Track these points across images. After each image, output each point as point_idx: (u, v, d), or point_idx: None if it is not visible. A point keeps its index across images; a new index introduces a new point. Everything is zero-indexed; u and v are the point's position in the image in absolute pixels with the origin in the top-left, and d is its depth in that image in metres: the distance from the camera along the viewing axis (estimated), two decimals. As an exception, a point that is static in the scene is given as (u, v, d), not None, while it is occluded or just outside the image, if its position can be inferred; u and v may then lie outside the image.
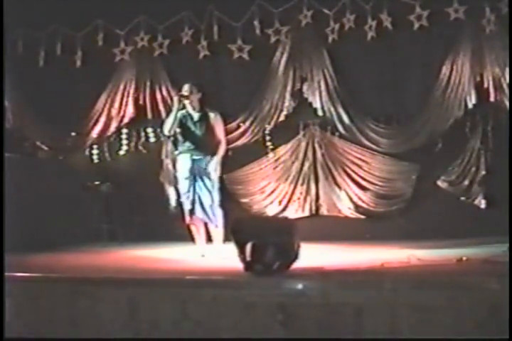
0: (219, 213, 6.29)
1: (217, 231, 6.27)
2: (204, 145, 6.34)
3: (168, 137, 6.53)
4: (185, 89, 6.32)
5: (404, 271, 4.99)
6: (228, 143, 8.00)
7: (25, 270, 5.02)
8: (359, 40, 7.70)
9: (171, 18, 8.16)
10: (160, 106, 8.37)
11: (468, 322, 3.97)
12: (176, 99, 6.33)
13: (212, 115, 6.37)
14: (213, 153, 6.38)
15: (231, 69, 8.15)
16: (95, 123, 8.55)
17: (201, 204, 6.26)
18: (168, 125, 6.33)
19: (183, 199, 6.36)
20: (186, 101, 6.31)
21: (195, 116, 6.36)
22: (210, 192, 6.26)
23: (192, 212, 6.28)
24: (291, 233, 4.89)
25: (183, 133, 6.37)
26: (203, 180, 6.27)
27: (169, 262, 6.09)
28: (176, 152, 6.52)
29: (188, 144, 6.35)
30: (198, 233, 6.39)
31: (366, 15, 7.67)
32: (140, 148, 8.53)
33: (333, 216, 8.02)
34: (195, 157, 6.31)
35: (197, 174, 6.28)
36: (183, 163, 6.36)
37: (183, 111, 6.40)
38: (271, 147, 8.16)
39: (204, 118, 6.34)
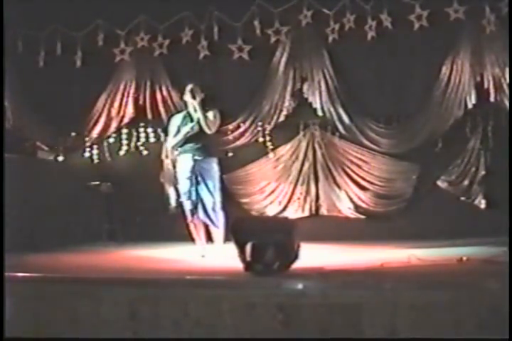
0: (220, 214, 6.26)
1: (218, 231, 6.26)
2: (206, 145, 6.33)
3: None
4: (189, 89, 6.30)
5: (404, 271, 4.99)
6: (228, 143, 8.06)
7: (25, 270, 5.02)
8: (359, 40, 7.71)
9: (171, 18, 8.16)
10: (160, 106, 8.38)
11: (468, 322, 3.97)
12: (189, 126, 6.28)
13: (211, 113, 6.35)
14: (215, 154, 6.39)
15: (231, 69, 8.15)
16: (95, 123, 8.55)
17: (203, 205, 6.24)
18: (175, 142, 6.36)
19: (184, 199, 6.35)
20: (189, 102, 6.28)
21: (196, 116, 6.32)
22: (211, 193, 6.25)
23: (193, 212, 6.27)
24: (291, 233, 4.89)
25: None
26: (204, 181, 6.26)
27: (169, 262, 6.09)
28: (176, 152, 6.51)
29: (189, 144, 6.33)
30: (198, 233, 6.38)
31: (366, 16, 7.68)
32: (140, 148, 8.53)
33: (333, 216, 8.03)
34: (197, 157, 6.29)
35: (199, 175, 6.27)
36: (185, 163, 6.34)
37: (184, 112, 6.40)
38: (271, 147, 8.16)
39: (205, 118, 6.31)
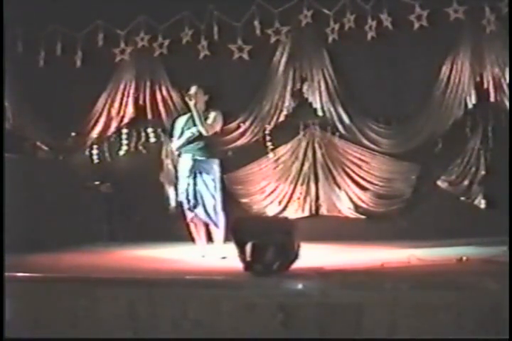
0: (221, 214, 6.26)
1: (218, 231, 6.26)
2: (206, 145, 6.32)
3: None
4: (192, 90, 6.30)
5: (404, 271, 5.00)
6: (228, 143, 8.06)
7: (25, 270, 5.02)
8: (359, 40, 7.70)
9: (171, 18, 8.15)
10: (160, 106, 8.37)
11: (468, 322, 3.97)
12: (190, 131, 6.29)
13: (213, 114, 6.34)
14: (216, 155, 6.40)
15: (231, 69, 8.15)
16: (95, 123, 8.55)
17: (203, 205, 6.23)
18: (178, 144, 6.38)
19: (184, 199, 6.35)
20: (191, 103, 6.28)
21: (198, 117, 6.29)
22: (212, 193, 6.24)
23: (193, 212, 6.27)
24: (291, 233, 4.90)
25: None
26: (205, 181, 6.25)
27: (169, 262, 6.09)
28: (177, 152, 6.52)
29: (190, 145, 6.33)
30: (199, 233, 6.38)
31: (366, 15, 7.67)
32: (140, 148, 8.53)
33: (333, 216, 8.02)
34: (197, 157, 6.29)
35: (199, 174, 6.26)
36: (185, 162, 6.35)
37: (188, 114, 6.39)
38: (271, 147, 8.16)
39: (207, 119, 6.31)
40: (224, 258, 6.01)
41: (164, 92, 8.38)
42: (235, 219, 5.45)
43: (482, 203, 7.51)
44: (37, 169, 7.75)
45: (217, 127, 6.42)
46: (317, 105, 7.96)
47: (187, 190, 6.26)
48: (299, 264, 4.81)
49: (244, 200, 8.24)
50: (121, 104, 8.50)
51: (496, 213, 7.26)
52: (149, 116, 8.45)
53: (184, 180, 6.31)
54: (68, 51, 8.46)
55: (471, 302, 4.01)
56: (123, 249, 7.26)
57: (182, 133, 6.38)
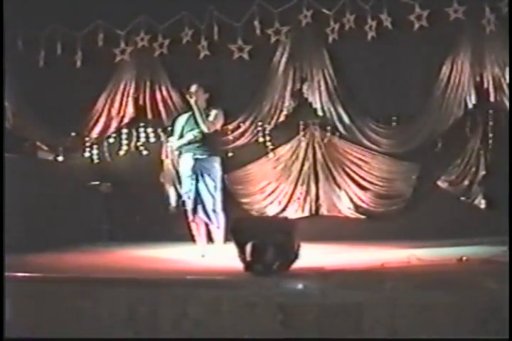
0: (221, 214, 6.26)
1: (218, 231, 6.26)
2: (207, 144, 6.32)
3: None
4: (193, 88, 6.31)
5: (404, 271, 5.00)
6: (228, 143, 8.06)
7: (25, 270, 5.02)
8: (359, 40, 7.71)
9: (171, 18, 8.16)
10: (160, 106, 8.38)
11: (468, 322, 3.97)
12: (192, 133, 6.30)
13: (214, 112, 6.34)
14: (217, 153, 6.39)
15: (231, 69, 8.15)
16: (95, 124, 8.55)
17: (203, 204, 6.23)
18: (179, 144, 6.41)
19: (185, 198, 6.35)
20: (192, 100, 6.28)
21: (200, 114, 6.30)
22: (211, 193, 6.24)
23: (193, 211, 6.27)
24: (291, 233, 4.90)
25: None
26: (205, 181, 6.25)
27: (169, 262, 6.09)
28: (177, 151, 6.53)
29: (191, 144, 6.33)
30: (199, 233, 6.38)
31: (366, 15, 7.68)
32: (140, 148, 8.53)
33: (333, 216, 8.03)
34: (198, 156, 6.29)
35: (199, 174, 6.26)
36: (186, 162, 6.35)
37: (189, 113, 6.39)
38: (271, 147, 8.16)
39: (208, 116, 6.32)
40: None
41: (164, 92, 8.38)
42: (235, 219, 5.45)
43: (482, 203, 7.51)
44: (37, 169, 7.75)
45: (218, 125, 6.44)
46: (317, 105, 7.97)
47: (191, 191, 6.26)
48: (299, 264, 4.81)
49: (244, 200, 8.24)
50: (121, 104, 8.50)
51: (495, 213, 7.26)
52: (149, 116, 8.46)
53: (187, 180, 6.31)
54: (68, 51, 8.47)
55: (471, 302, 4.00)
56: (123, 248, 7.26)
57: (182, 132, 6.38)
